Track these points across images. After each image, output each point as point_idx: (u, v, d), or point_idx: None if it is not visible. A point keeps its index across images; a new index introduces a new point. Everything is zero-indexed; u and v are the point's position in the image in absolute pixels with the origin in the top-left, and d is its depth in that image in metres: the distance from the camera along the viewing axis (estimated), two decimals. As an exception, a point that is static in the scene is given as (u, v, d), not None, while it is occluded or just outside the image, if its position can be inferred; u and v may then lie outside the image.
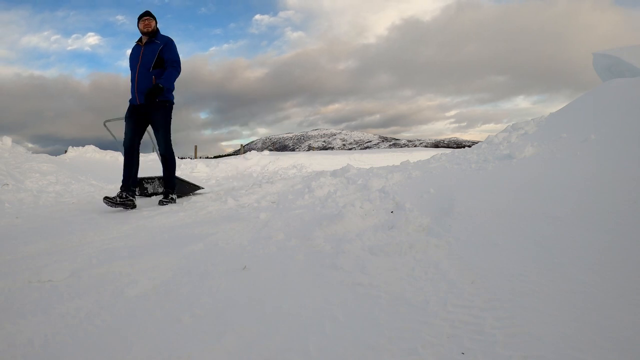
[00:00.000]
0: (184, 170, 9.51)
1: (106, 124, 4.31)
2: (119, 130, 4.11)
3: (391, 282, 1.83)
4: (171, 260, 2.40)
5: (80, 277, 2.14)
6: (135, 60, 3.76)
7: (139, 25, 3.81)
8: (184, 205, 4.60)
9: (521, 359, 1.20)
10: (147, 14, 3.78)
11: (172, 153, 4.03)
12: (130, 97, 3.68)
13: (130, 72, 3.68)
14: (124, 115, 3.81)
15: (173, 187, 4.23)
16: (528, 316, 1.41)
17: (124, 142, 3.86)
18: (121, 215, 4.12)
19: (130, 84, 3.64)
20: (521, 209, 2.39)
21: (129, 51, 3.95)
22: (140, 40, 3.86)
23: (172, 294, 1.88)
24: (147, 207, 4.66)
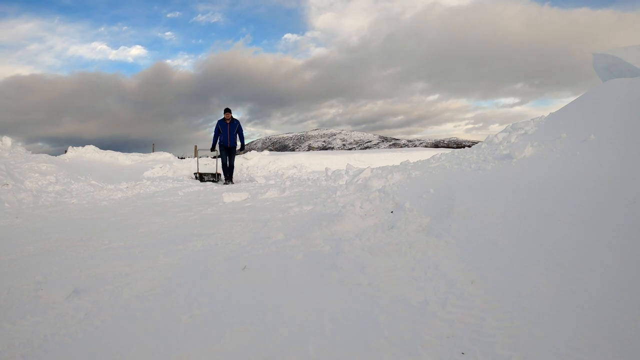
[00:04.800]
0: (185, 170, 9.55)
1: (211, 155, 9.66)
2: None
3: (391, 282, 1.82)
4: (171, 260, 2.40)
5: (79, 277, 2.13)
6: (225, 128, 7.91)
7: (225, 114, 7.90)
8: (183, 205, 4.60)
9: (521, 359, 1.20)
10: (229, 110, 7.92)
11: (234, 164, 8.32)
12: (223, 142, 7.99)
13: (222, 132, 7.95)
14: (218, 152, 8.22)
15: (231, 177, 8.20)
16: (528, 316, 1.40)
17: (222, 160, 8.05)
18: (121, 215, 4.12)
19: (222, 136, 7.99)
20: (521, 208, 2.39)
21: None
22: (224, 119, 7.93)
23: (171, 294, 1.87)
24: (146, 207, 4.65)
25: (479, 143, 4.98)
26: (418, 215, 2.68)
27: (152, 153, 12.55)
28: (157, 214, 4.09)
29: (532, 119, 4.92)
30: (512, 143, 4.15)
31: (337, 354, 1.31)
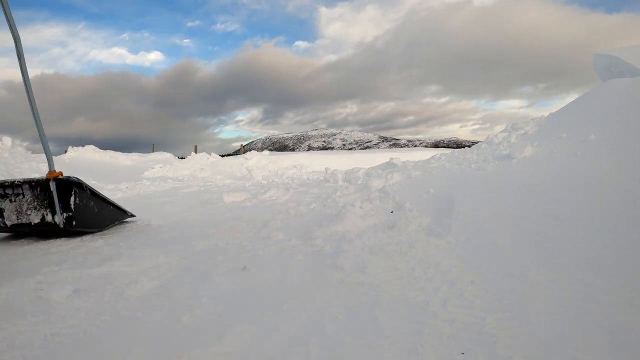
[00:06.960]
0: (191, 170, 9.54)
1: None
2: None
3: (391, 282, 1.83)
4: (171, 260, 2.40)
5: (80, 278, 2.14)
6: None
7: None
8: (183, 205, 4.60)
9: (521, 359, 1.20)
10: None
11: None
12: None
13: None
14: None
15: None
16: (528, 316, 1.40)
17: None
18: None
19: None
20: (521, 208, 2.39)
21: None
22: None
23: (172, 294, 1.87)
24: (146, 207, 4.65)
25: (479, 143, 4.98)
26: (418, 215, 2.69)
27: (152, 153, 12.55)
28: (157, 214, 4.09)
29: (532, 119, 4.93)
30: (512, 143, 4.16)
31: (338, 353, 1.31)
